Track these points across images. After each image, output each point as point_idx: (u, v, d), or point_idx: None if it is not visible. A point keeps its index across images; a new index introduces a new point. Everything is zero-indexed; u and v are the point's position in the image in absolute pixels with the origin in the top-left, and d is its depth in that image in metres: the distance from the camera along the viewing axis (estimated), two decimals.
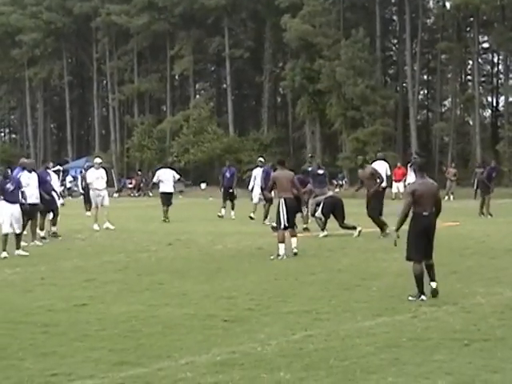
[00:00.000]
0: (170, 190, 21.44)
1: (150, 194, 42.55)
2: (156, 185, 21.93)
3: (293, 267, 11.34)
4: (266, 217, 19.44)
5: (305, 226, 17.37)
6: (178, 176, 21.95)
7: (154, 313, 7.93)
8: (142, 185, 47.62)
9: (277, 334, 6.93)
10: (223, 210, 21.88)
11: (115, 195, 45.40)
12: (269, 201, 19.60)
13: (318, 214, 16.26)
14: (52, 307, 8.33)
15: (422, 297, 8.44)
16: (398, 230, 8.56)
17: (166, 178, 21.43)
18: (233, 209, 22.06)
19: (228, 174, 22.36)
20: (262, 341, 6.65)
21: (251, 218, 20.33)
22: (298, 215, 18.14)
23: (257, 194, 21.02)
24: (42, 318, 7.76)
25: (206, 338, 6.83)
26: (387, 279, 9.94)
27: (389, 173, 23.54)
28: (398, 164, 36.14)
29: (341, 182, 46.23)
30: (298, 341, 6.68)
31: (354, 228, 15.98)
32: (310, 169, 18.96)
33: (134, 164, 57.63)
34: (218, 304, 8.40)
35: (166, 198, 21.37)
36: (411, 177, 21.50)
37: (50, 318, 7.72)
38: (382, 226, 15.47)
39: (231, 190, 22.10)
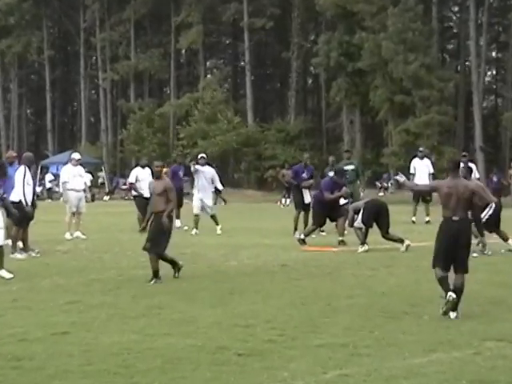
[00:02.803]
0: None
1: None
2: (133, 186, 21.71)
3: (325, 289, 11.32)
4: (296, 228, 19.39)
5: (340, 238, 17.35)
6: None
7: (151, 344, 7.95)
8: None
9: (304, 372, 6.91)
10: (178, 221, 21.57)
11: (106, 198, 45.68)
12: (303, 209, 19.50)
13: (358, 223, 16.22)
14: (26, 336, 8.37)
15: (450, 293, 9.11)
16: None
17: (144, 179, 20.90)
18: (178, 217, 21.67)
19: (182, 173, 22.32)
20: (286, 380, 6.63)
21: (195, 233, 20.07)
22: (332, 224, 18.28)
23: (196, 203, 20.60)
24: (13, 349, 7.80)
25: (216, 375, 6.83)
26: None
27: (431, 170, 23.87)
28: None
29: (386, 184, 46.16)
30: (331, 381, 6.65)
31: (402, 241, 15.93)
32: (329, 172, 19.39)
33: (129, 159, 57.92)
34: (232, 334, 8.40)
35: (144, 204, 21.30)
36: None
37: (23, 350, 7.75)
38: None
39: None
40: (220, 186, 21.21)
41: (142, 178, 21.27)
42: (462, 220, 9.17)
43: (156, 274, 12.17)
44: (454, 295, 9.08)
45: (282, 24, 55.91)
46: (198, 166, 20.54)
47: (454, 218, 9.10)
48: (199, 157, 21.54)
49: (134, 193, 21.78)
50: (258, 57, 61.04)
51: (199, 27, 54.02)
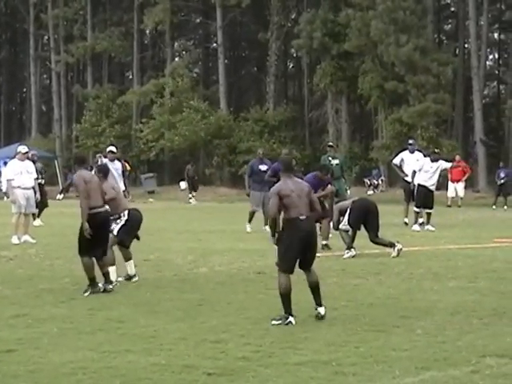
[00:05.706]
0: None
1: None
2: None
3: (306, 300, 11.32)
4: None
5: (324, 242, 17.38)
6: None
7: (109, 363, 7.92)
8: None
9: None
10: None
11: (59, 196, 45.43)
12: None
13: (344, 225, 16.25)
14: None
15: (290, 319, 9.74)
16: (274, 235, 10.01)
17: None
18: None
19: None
20: None
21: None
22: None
23: None
24: None
25: None
26: (438, 318, 9.93)
27: (417, 168, 22.70)
28: (457, 157, 36.17)
29: (375, 182, 46.37)
30: None
31: (392, 245, 15.98)
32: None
33: (86, 154, 57.64)
34: (200, 350, 8.39)
35: None
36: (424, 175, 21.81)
37: None
38: None
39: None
40: (122, 187, 20.74)
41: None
42: (308, 218, 9.86)
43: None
44: (293, 321, 9.78)
45: (259, 1, 55.91)
46: (105, 160, 20.12)
47: (302, 218, 9.78)
48: (108, 150, 21.26)
49: None
50: (233, 38, 61.00)
51: (166, 4, 53.78)
